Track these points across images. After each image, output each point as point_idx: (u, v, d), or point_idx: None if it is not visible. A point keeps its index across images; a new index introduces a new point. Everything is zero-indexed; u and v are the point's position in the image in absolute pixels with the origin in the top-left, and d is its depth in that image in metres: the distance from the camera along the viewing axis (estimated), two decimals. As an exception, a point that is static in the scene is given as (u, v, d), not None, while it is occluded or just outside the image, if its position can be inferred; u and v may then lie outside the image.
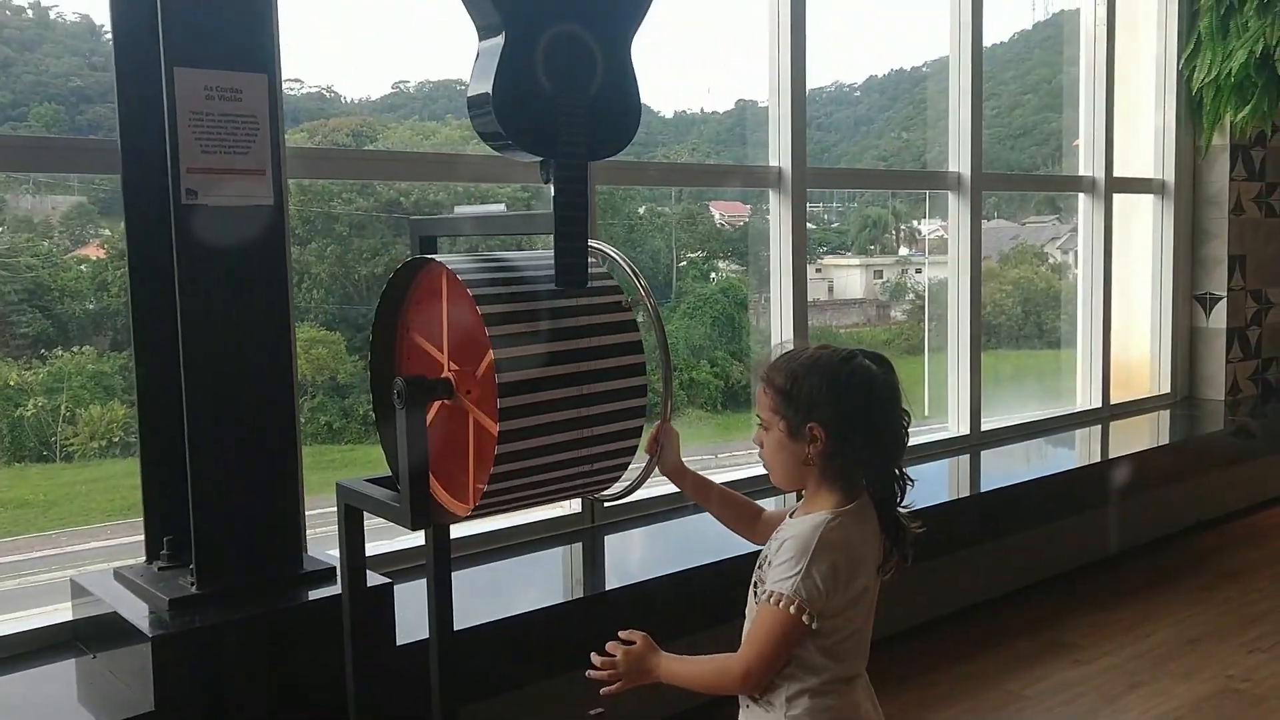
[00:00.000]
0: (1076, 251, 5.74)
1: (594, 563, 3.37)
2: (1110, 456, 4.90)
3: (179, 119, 2.26)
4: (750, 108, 4.86)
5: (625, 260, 2.07)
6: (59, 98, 3.78)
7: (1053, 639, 3.87)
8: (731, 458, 4.52)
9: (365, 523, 2.18)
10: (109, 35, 2.44)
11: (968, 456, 4.76)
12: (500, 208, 2.11)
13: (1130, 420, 5.58)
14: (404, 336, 2.09)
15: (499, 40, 1.79)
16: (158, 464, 2.46)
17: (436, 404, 1.98)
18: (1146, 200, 5.84)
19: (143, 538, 2.52)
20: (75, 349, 3.82)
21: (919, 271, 6.16)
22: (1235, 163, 5.84)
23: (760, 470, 1.95)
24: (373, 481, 2.12)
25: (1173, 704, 3.35)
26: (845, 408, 1.75)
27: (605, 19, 1.88)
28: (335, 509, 2.16)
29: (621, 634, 1.85)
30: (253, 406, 2.41)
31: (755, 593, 1.81)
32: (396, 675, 2.39)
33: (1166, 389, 5.92)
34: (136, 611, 2.29)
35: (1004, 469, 4.69)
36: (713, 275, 5.53)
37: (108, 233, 3.91)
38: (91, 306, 3.97)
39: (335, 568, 2.42)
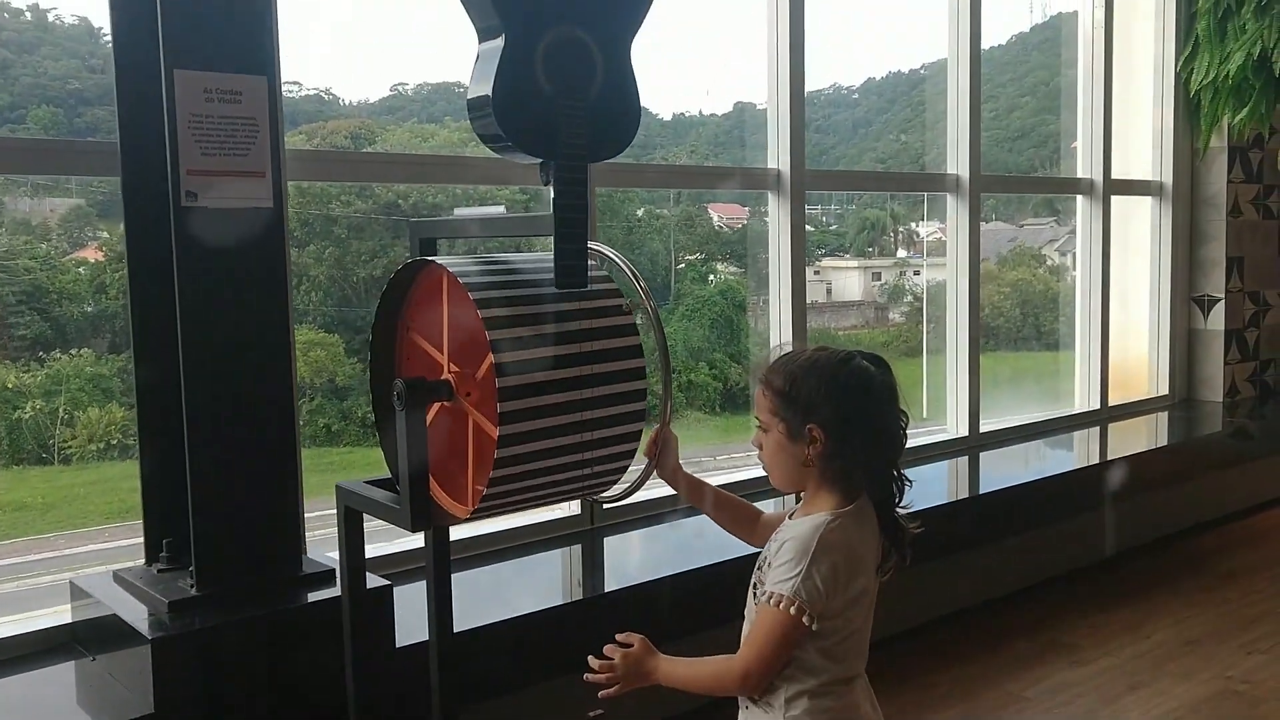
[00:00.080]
0: (1074, 253, 5.75)
1: (593, 564, 3.37)
2: (1109, 458, 4.90)
3: (179, 121, 2.26)
4: (749, 110, 4.86)
5: (625, 262, 2.07)
6: (57, 100, 3.78)
7: (1052, 640, 3.87)
8: (730, 460, 4.52)
9: (364, 524, 2.18)
10: (108, 38, 2.44)
11: (967, 458, 4.76)
12: (500, 210, 2.11)
13: (1129, 422, 5.59)
14: (404, 337, 2.09)
15: (499, 42, 1.79)
16: (157, 466, 2.46)
17: (436, 405, 1.98)
18: (1145, 202, 5.85)
19: (142, 540, 2.52)
20: (73, 351, 3.82)
21: (917, 273, 6.17)
22: (1233, 165, 5.85)
23: (759, 472, 1.95)
24: (372, 483, 2.12)
25: (1172, 705, 3.35)
26: (844, 409, 1.75)
27: (605, 21, 1.88)
28: (334, 511, 2.16)
29: (619, 637, 1.85)
30: (252, 408, 2.41)
31: (754, 594, 1.81)
32: (396, 677, 2.39)
33: (1165, 391, 5.92)
34: (136, 614, 2.29)
35: (1003, 470, 4.70)
36: (711, 277, 5.53)
37: (106, 235, 3.91)
38: (90, 309, 3.97)
39: (335, 570, 2.42)
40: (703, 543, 3.32)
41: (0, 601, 2.94)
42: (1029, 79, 6.49)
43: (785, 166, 4.13)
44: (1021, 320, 6.31)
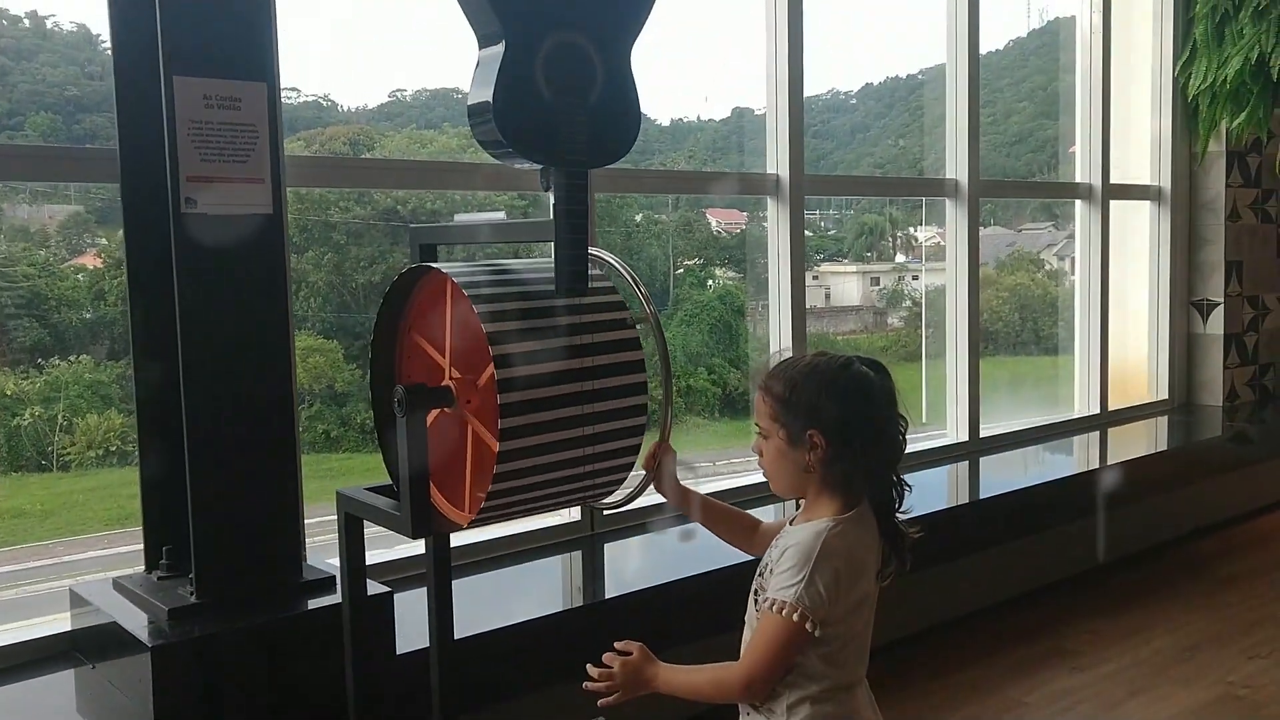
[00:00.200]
0: (1073, 258, 5.75)
1: (594, 571, 3.37)
2: (1108, 463, 4.90)
3: (178, 127, 2.26)
4: (747, 115, 4.87)
5: (626, 269, 2.07)
6: (56, 107, 3.78)
7: (1052, 646, 3.86)
8: (730, 465, 4.52)
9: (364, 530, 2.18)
10: (106, 44, 2.44)
11: (966, 463, 4.76)
12: (500, 216, 2.11)
13: (1128, 426, 5.59)
14: (406, 339, 2.08)
15: (499, 48, 1.79)
16: (157, 472, 2.45)
17: (436, 410, 1.98)
18: (1143, 207, 5.85)
19: (141, 547, 2.51)
20: (72, 358, 3.82)
21: (916, 278, 6.17)
22: (1231, 169, 5.85)
23: (759, 477, 1.95)
24: (373, 490, 2.11)
25: (1173, 711, 3.35)
26: (844, 414, 1.75)
27: (605, 27, 1.88)
28: (334, 517, 2.16)
29: (617, 645, 1.85)
30: (252, 414, 2.41)
31: (756, 601, 1.81)
32: (397, 684, 2.38)
33: (1164, 395, 5.93)
34: (136, 621, 2.29)
35: (1002, 475, 4.69)
36: (710, 282, 5.54)
37: (105, 242, 3.91)
38: (89, 315, 3.97)
39: (335, 576, 2.41)
40: (703, 549, 3.31)
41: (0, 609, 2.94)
42: (1027, 84, 6.51)
43: (784, 171, 4.13)
44: (1020, 325, 6.32)
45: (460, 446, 1.95)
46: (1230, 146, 5.79)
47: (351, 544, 2.15)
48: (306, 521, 2.77)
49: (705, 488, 3.70)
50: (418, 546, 2.53)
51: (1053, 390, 5.82)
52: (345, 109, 4.53)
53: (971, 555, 4.07)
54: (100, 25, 2.52)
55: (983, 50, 4.86)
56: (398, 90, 4.69)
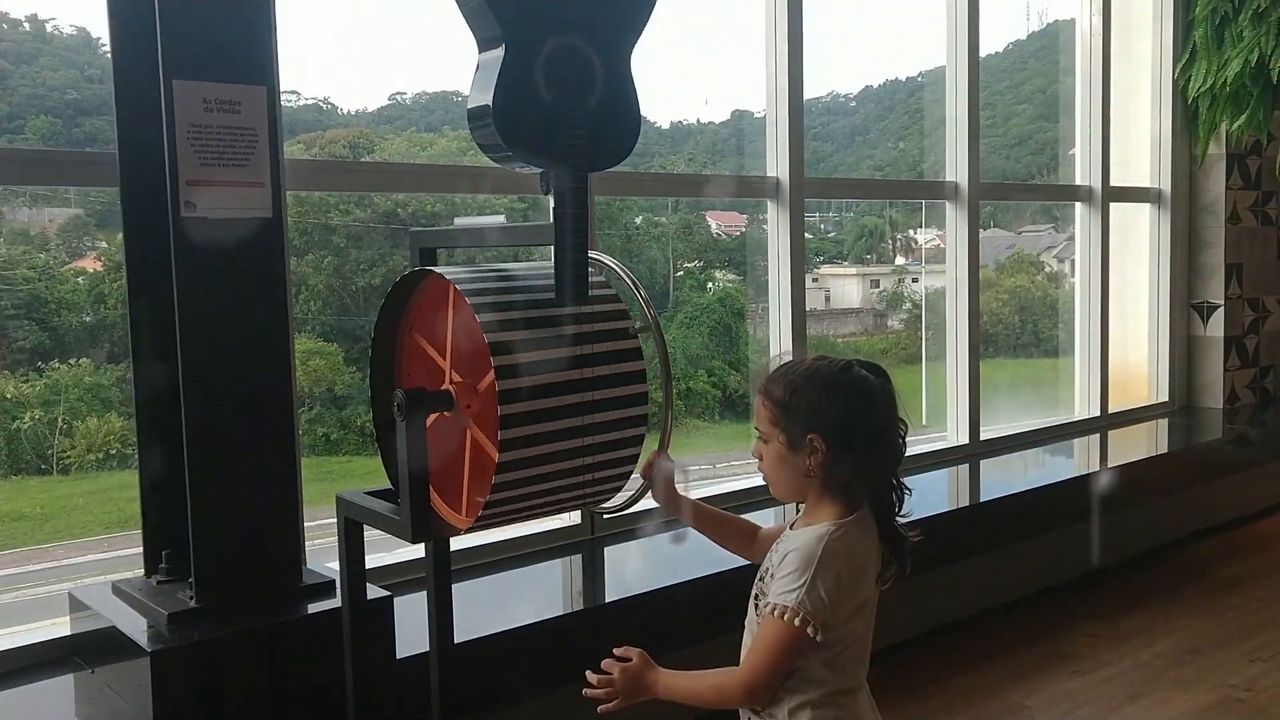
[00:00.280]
0: (1073, 260, 5.75)
1: (594, 575, 3.37)
2: (1109, 465, 4.90)
3: (178, 131, 2.26)
4: (747, 117, 4.87)
5: (625, 271, 2.07)
6: (56, 110, 3.78)
7: (1053, 649, 3.86)
8: (730, 467, 4.52)
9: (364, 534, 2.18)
10: (106, 48, 2.44)
11: (966, 466, 4.75)
12: (500, 219, 2.11)
13: (1128, 429, 5.58)
14: (406, 340, 2.08)
15: (499, 52, 1.79)
16: (156, 476, 2.45)
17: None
18: (1143, 209, 5.85)
19: (141, 551, 2.51)
20: (72, 361, 3.81)
21: (915, 281, 6.17)
22: (1231, 171, 5.85)
23: (759, 481, 1.95)
24: (372, 494, 2.11)
25: (1173, 714, 3.35)
26: (845, 418, 1.75)
27: (605, 30, 1.88)
28: (334, 521, 2.16)
29: (617, 651, 1.84)
30: (252, 418, 2.41)
31: (756, 605, 1.81)
32: (397, 688, 2.38)
33: (1165, 397, 5.92)
34: (135, 626, 2.28)
35: (1003, 478, 4.69)
36: (710, 285, 5.54)
37: (104, 245, 3.92)
38: (88, 319, 3.97)
39: (335, 580, 2.41)
40: (703, 553, 3.31)
41: (-2, 613, 2.94)
42: (1027, 86, 6.51)
43: (784, 174, 4.13)
44: (1020, 327, 6.32)
45: (459, 449, 1.95)
46: (1230, 149, 5.79)
47: (351, 548, 2.15)
48: (306, 525, 2.76)
49: (705, 491, 3.70)
50: (418, 550, 2.52)
51: (1053, 393, 5.82)
52: (345, 112, 4.53)
53: (972, 558, 4.06)
54: (100, 29, 2.52)
55: (982, 53, 4.86)
56: (398, 93, 4.70)
